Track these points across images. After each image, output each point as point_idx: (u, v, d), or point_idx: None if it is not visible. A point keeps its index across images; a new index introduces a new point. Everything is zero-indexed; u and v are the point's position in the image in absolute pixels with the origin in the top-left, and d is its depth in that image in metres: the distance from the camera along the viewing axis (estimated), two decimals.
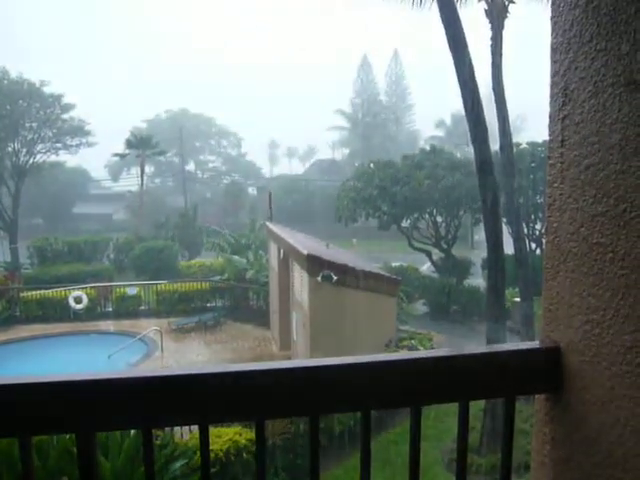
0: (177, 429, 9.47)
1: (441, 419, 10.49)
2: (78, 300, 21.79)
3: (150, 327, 19.25)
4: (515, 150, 18.34)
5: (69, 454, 5.41)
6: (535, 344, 1.34)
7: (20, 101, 34.88)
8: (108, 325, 21.43)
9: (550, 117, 1.27)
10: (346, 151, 71.00)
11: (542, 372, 1.29)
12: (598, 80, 1.12)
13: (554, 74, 1.25)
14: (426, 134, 64.89)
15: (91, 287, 23.04)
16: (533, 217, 23.75)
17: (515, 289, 17.51)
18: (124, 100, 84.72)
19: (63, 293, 22.18)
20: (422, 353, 1.35)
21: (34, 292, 22.56)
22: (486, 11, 15.04)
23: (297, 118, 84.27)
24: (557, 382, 1.26)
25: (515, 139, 22.81)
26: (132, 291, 23.22)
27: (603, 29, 1.10)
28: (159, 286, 23.37)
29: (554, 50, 1.25)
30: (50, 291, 22.45)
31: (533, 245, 23.61)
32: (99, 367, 15.73)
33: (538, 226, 23.91)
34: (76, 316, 21.61)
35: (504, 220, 14.38)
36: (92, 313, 22.13)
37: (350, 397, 1.26)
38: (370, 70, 71.89)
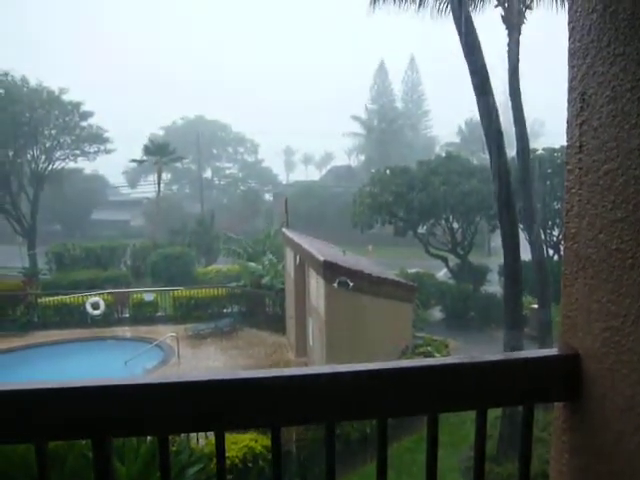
0: (192, 435, 9.50)
1: (458, 426, 10.40)
2: (95, 306, 21.96)
3: (167, 333, 19.34)
4: (532, 156, 18.21)
5: (85, 459, 5.44)
6: (553, 351, 1.32)
7: (39, 109, 35.36)
8: (125, 331, 21.59)
9: (568, 122, 1.26)
10: (362, 157, 70.95)
11: (561, 379, 1.27)
12: (616, 85, 1.11)
13: (572, 79, 1.24)
14: (442, 140, 64.73)
15: (108, 293, 23.21)
16: (550, 223, 23.54)
17: (533, 296, 17.35)
18: (141, 107, 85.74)
19: (80, 299, 22.37)
20: (438, 360, 1.34)
21: (52, 298, 22.79)
22: (502, 17, 14.99)
23: (313, 125, 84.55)
24: (576, 389, 1.24)
25: (533, 144, 22.69)
26: (149, 297, 23.34)
27: (621, 34, 1.09)
28: (176, 292, 23.49)
29: (572, 55, 1.24)
30: (67, 297, 22.66)
31: (550, 251, 23.39)
32: (116, 373, 15.82)
33: (555, 232, 23.69)
34: (93, 322, 21.79)
35: (521, 226, 14.27)
36: (109, 319, 22.30)
37: (366, 404, 1.25)
38: (386, 76, 71.91)
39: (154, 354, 18.18)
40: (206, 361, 17.79)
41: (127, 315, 22.98)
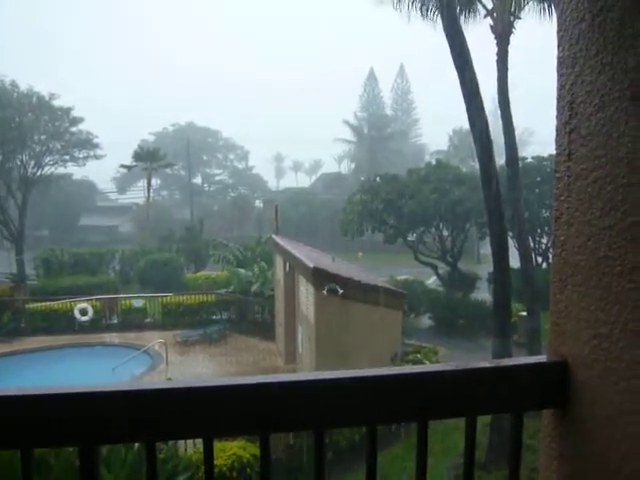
0: (181, 443, 9.42)
1: (447, 434, 10.40)
2: (83, 312, 21.80)
3: (155, 339, 19.23)
4: (521, 164, 18.36)
5: (72, 467, 5.38)
6: (542, 358, 1.32)
7: (29, 114, 35.16)
8: (113, 337, 21.41)
9: (557, 130, 1.27)
10: (352, 165, 71.22)
11: (549, 386, 1.27)
12: (605, 93, 1.11)
13: (561, 87, 1.25)
14: (432, 148, 65.09)
15: (96, 299, 23.04)
16: (539, 231, 23.72)
17: (522, 303, 17.42)
18: (132, 113, 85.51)
19: (69, 305, 22.19)
20: (428, 367, 1.34)
21: (40, 304, 22.60)
22: (492, 27, 15.13)
23: (303, 132, 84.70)
24: (565, 397, 1.24)
25: (522, 153, 22.86)
26: (137, 303, 23.22)
27: (609, 43, 1.10)
28: (165, 298, 23.37)
29: (560, 64, 1.25)
30: (55, 303, 22.47)
31: (539, 259, 23.54)
32: (103, 379, 15.68)
33: (544, 240, 23.87)
34: (81, 328, 21.62)
35: (510, 234, 14.35)
36: (97, 325, 22.13)
37: (355, 411, 1.24)
38: (376, 84, 72.38)
39: (142, 360, 18.06)
40: (195, 368, 17.69)
41: (115, 321, 22.82)
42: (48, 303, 22.49)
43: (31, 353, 19.29)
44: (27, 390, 1.13)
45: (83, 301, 22.34)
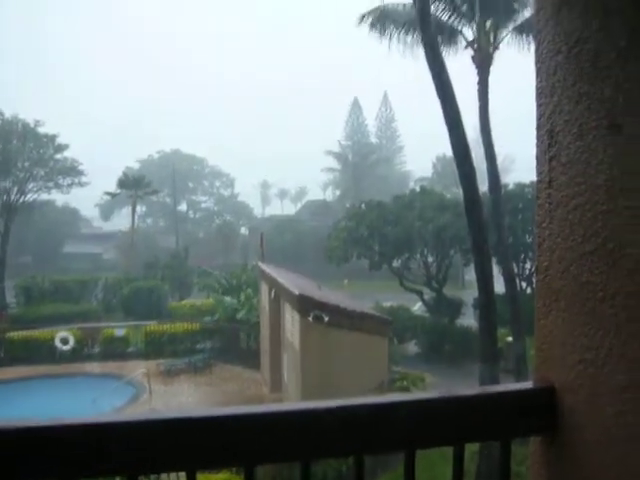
0: (163, 475, 9.21)
1: (435, 462, 10.28)
2: (64, 341, 21.45)
3: (138, 369, 18.92)
4: (503, 191, 18.59)
5: None
6: (529, 384, 1.32)
7: (15, 141, 35.11)
8: (94, 367, 21.05)
9: (537, 159, 1.29)
10: (337, 192, 71.63)
11: (537, 413, 1.27)
12: (583, 122, 1.14)
13: (540, 117, 1.28)
14: (416, 175, 65.81)
15: (78, 328, 22.72)
16: (523, 256, 23.90)
17: (507, 329, 17.46)
18: (118, 140, 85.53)
19: (49, 334, 21.84)
20: (413, 395, 1.33)
21: (20, 332, 22.20)
22: (472, 57, 15.48)
23: (289, 159, 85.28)
24: (552, 423, 1.24)
25: (504, 179, 23.16)
26: (120, 332, 22.89)
27: (585, 74, 1.13)
28: (148, 327, 23.09)
29: (539, 94, 1.28)
30: (36, 331, 22.12)
31: (524, 284, 23.66)
32: (84, 411, 15.34)
33: (528, 265, 24.03)
34: (62, 357, 21.25)
35: (494, 260, 14.45)
36: (79, 354, 21.77)
37: (342, 442, 1.23)
38: (360, 112, 73.36)
39: (124, 391, 17.73)
40: (179, 398, 17.41)
41: (97, 350, 22.48)
42: (29, 332, 22.11)
43: (10, 383, 18.88)
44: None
45: (64, 330, 22.00)
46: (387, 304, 25.82)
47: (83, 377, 19.94)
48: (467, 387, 1.37)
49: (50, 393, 17.72)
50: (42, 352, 21.38)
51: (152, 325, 23.19)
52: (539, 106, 1.28)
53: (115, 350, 22.17)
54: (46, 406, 16.00)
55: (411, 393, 10.47)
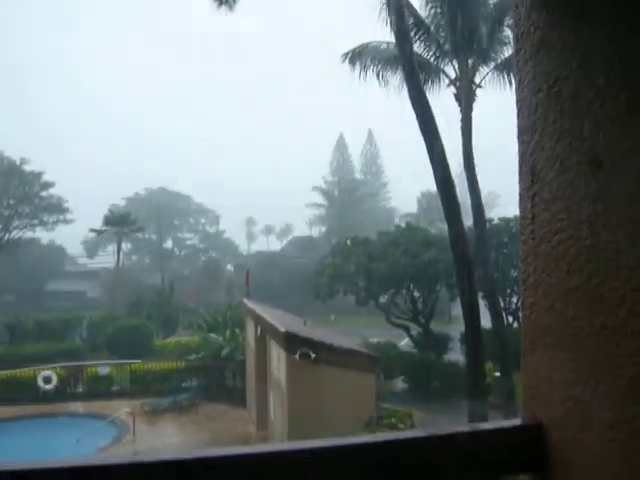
0: None
1: None
2: (47, 380, 21.03)
3: (122, 409, 18.55)
4: (489, 225, 18.79)
5: None
6: (516, 421, 1.31)
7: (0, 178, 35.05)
8: (78, 407, 20.59)
9: (520, 195, 1.31)
10: (323, 228, 71.92)
11: (525, 450, 1.26)
12: (564, 159, 1.16)
13: (522, 154, 1.30)
14: (401, 211, 66.33)
15: (61, 367, 22.30)
16: (509, 291, 23.95)
17: (495, 363, 17.40)
18: (104, 178, 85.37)
19: (32, 373, 21.43)
20: (400, 434, 1.31)
21: (1, 372, 21.72)
22: (455, 95, 15.81)
23: (274, 196, 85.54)
24: (541, 460, 1.23)
25: (489, 214, 23.42)
26: (104, 371, 22.50)
27: (566, 112, 1.15)
28: (132, 365, 22.74)
29: (521, 131, 1.31)
30: (18, 371, 21.68)
31: (510, 319, 23.68)
32: (66, 452, 14.94)
33: (514, 299, 24.07)
34: (45, 397, 20.81)
35: (481, 294, 14.49)
36: (62, 394, 21.33)
37: None
38: (346, 149, 74.33)
39: (108, 431, 17.37)
40: (163, 438, 17.02)
41: (81, 390, 22.07)
42: (10, 371, 21.67)
43: None
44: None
45: (47, 369, 21.60)
46: (374, 340, 25.65)
47: (66, 417, 19.51)
48: (455, 424, 1.35)
49: (32, 433, 17.29)
50: (24, 392, 20.93)
51: (137, 364, 22.82)
52: (521, 143, 1.30)
53: (99, 389, 21.75)
54: (28, 447, 15.61)
55: (397, 432, 10.33)
